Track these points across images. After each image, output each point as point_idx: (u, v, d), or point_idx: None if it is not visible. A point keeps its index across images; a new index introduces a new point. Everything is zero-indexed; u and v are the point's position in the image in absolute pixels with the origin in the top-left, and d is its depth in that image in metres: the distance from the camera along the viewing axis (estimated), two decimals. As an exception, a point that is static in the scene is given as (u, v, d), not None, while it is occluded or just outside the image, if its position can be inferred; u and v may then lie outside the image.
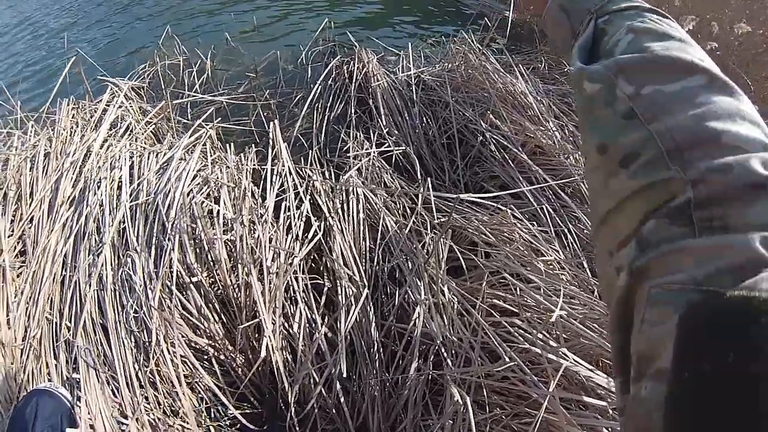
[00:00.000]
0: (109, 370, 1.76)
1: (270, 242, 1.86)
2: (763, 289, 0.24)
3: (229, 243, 1.86)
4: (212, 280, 1.86)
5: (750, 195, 0.28)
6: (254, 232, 1.83)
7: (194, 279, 1.78)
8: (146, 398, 1.72)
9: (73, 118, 2.71)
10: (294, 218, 1.97)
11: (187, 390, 1.75)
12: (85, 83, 2.80)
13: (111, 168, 2.25)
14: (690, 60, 0.36)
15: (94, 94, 2.87)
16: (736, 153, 0.29)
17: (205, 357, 1.82)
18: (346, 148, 2.48)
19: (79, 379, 1.72)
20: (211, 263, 1.83)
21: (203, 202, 1.96)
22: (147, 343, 1.74)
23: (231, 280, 1.78)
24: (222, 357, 1.81)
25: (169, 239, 1.84)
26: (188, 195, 1.97)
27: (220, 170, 2.14)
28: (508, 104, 2.62)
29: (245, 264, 1.73)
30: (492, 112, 2.57)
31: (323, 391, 1.64)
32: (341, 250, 1.84)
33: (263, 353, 1.59)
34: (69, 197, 2.25)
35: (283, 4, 4.22)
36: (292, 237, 1.91)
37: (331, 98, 2.90)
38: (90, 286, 1.92)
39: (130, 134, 2.52)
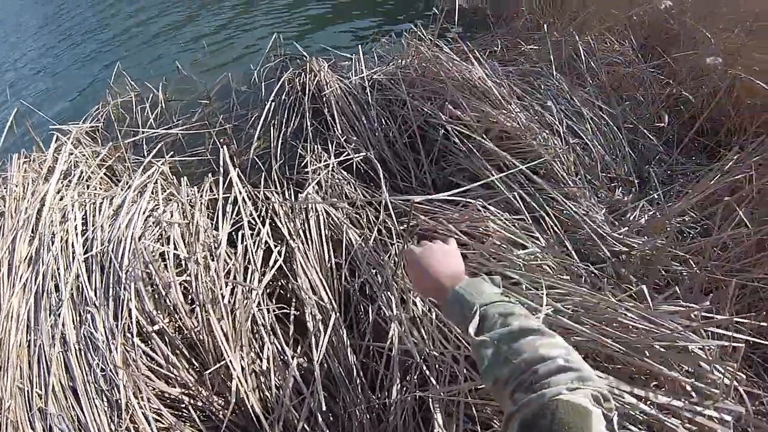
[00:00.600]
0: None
1: (229, 276, 1.73)
2: (552, 402, 0.56)
3: (186, 284, 1.72)
4: (176, 325, 1.72)
5: (556, 375, 0.61)
6: (209, 269, 1.70)
7: (155, 327, 1.65)
8: (126, 460, 1.60)
9: (25, 172, 2.56)
10: (252, 247, 1.83)
11: (168, 444, 1.62)
12: (32, 134, 2.66)
13: (64, 220, 2.11)
14: (532, 326, 0.71)
15: (47, 143, 2.71)
16: (552, 359, 0.63)
17: (182, 406, 1.69)
18: (304, 163, 2.35)
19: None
20: (171, 308, 1.70)
21: (154, 246, 1.82)
22: (118, 402, 1.61)
23: (192, 323, 1.65)
24: (200, 403, 1.67)
25: (125, 288, 1.70)
26: (140, 239, 1.84)
27: (173, 208, 2.00)
28: (467, 91, 2.50)
29: (202, 304, 1.59)
30: (450, 103, 2.44)
31: (306, 426, 1.51)
32: (305, 273, 1.71)
33: (233, 398, 1.46)
34: (26, 257, 2.11)
35: (230, 27, 4.08)
36: (253, 268, 1.77)
37: (286, 113, 2.76)
38: (54, 347, 1.78)
39: (82, 182, 2.38)
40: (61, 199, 2.27)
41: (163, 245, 1.82)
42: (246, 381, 1.55)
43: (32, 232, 2.18)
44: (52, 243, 2.04)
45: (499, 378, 0.66)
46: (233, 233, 1.89)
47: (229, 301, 1.64)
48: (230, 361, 1.51)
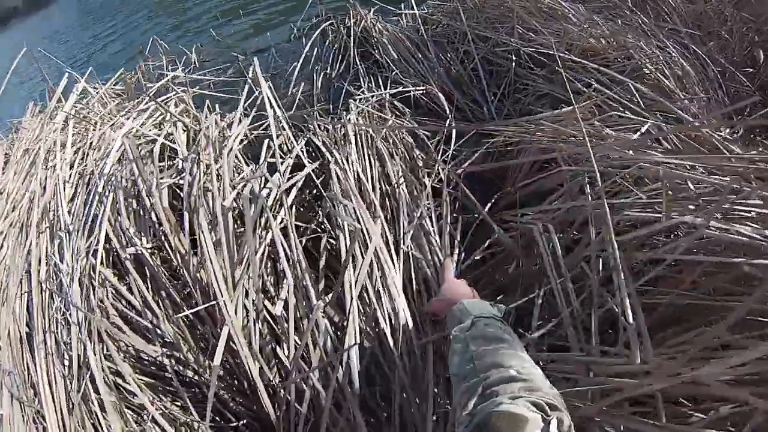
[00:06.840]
0: (37, 403, 1.01)
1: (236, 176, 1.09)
2: (494, 414, 0.46)
3: (177, 189, 1.09)
4: (161, 253, 1.08)
5: (506, 383, 0.52)
6: (217, 164, 1.05)
7: (131, 250, 1.01)
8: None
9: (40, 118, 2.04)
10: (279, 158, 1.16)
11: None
12: (48, 83, 2.13)
13: (61, 149, 1.54)
14: (505, 337, 0.63)
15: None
16: (506, 368, 0.55)
17: (165, 374, 1.03)
18: (357, 99, 1.73)
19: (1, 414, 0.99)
20: (156, 225, 1.06)
21: (147, 134, 1.20)
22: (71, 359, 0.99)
23: (180, 246, 1.00)
24: (189, 373, 1.02)
25: (101, 201, 1.09)
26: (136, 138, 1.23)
27: (184, 119, 1.39)
28: (539, 16, 1.86)
29: (192, 208, 0.95)
30: (521, 26, 1.81)
31: (334, 410, 0.84)
32: (340, 184, 1.05)
33: (217, 361, 0.79)
34: (14, 188, 1.54)
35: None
36: (278, 185, 1.11)
37: (330, 58, 2.17)
38: (21, 285, 1.19)
39: (90, 122, 1.81)
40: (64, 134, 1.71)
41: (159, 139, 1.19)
42: (247, 338, 0.89)
43: (29, 166, 1.64)
44: (44, 167, 1.47)
45: (458, 374, 0.61)
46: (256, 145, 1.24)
47: (236, 216, 0.99)
48: (223, 302, 0.85)
